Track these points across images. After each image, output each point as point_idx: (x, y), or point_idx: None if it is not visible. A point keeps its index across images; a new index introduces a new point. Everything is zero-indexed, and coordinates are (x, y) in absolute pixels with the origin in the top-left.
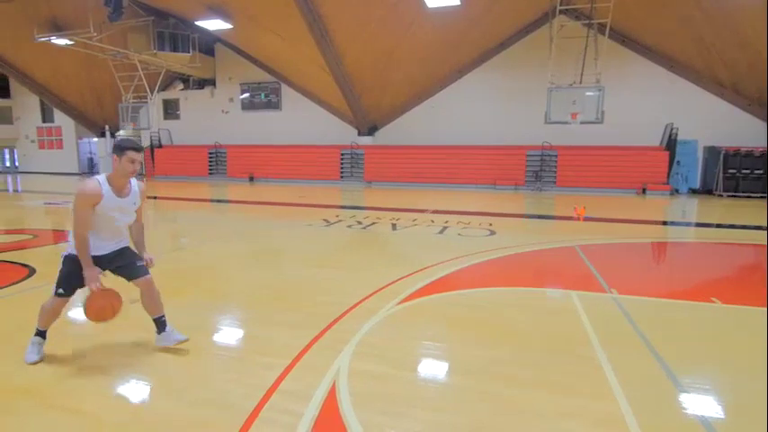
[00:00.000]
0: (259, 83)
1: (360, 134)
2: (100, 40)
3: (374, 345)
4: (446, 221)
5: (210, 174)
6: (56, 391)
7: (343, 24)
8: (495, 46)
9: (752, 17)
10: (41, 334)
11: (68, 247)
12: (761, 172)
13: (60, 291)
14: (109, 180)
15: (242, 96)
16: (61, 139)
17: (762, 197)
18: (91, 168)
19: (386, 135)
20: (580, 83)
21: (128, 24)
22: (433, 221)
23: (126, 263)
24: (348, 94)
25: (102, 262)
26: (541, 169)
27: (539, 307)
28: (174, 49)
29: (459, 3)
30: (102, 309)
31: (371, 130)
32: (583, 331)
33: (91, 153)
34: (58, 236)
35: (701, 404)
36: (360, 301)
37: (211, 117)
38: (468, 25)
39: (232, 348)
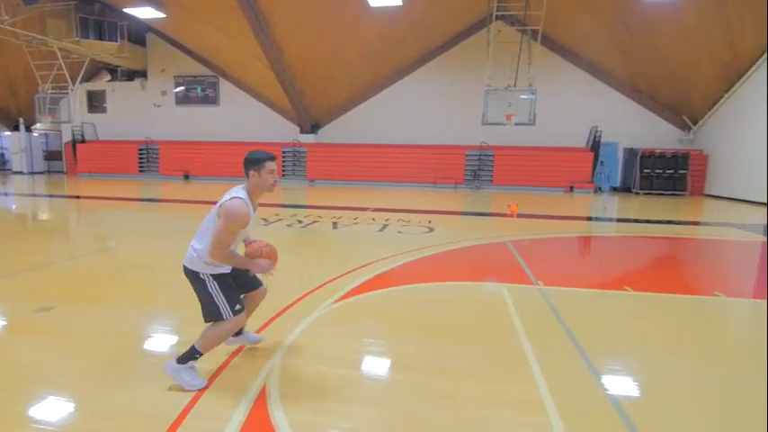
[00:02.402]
0: (195, 76)
1: (302, 132)
2: (13, 24)
3: (309, 344)
4: (387, 219)
5: (141, 171)
6: None
7: (284, 18)
8: (436, 48)
9: (666, 32)
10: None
11: (199, 266)
12: (672, 171)
13: (238, 307)
14: (250, 197)
15: (176, 90)
16: None
17: (672, 194)
18: (3, 165)
19: (329, 133)
20: (515, 86)
21: (46, 8)
22: (374, 219)
23: (244, 275)
24: (289, 90)
25: (227, 277)
26: (479, 168)
27: (471, 301)
28: (100, 38)
29: (401, 3)
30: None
31: (314, 128)
32: (511, 322)
33: (2, 148)
34: None
35: (611, 384)
36: (296, 300)
37: (142, 111)
38: (410, 26)
39: (157, 354)
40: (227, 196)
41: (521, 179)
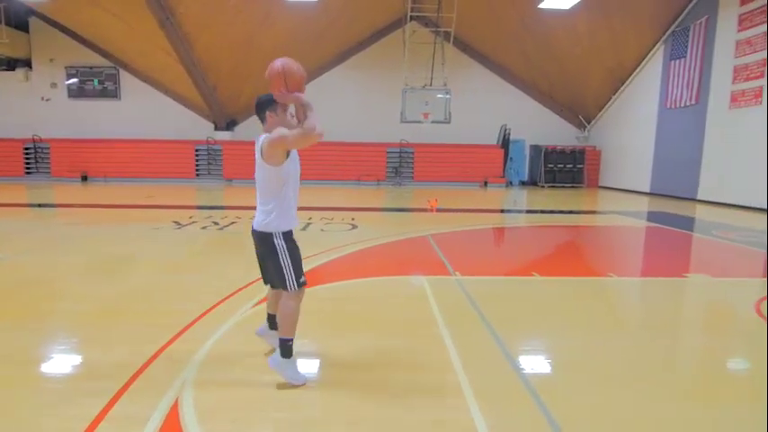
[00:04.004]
0: (91, 67)
1: (217, 129)
2: None
3: (226, 351)
4: (309, 218)
5: (28, 173)
6: None
7: (192, 8)
8: (355, 45)
9: (562, 39)
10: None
11: (271, 226)
12: (571, 166)
13: (302, 279)
14: None
15: (68, 82)
16: None
17: (572, 187)
18: None
19: (246, 130)
20: (431, 85)
21: None
22: None
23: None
24: (201, 85)
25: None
26: (400, 165)
27: (394, 294)
28: None
29: None
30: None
31: (230, 125)
32: (431, 312)
33: None
34: None
35: (522, 365)
36: (212, 307)
37: (27, 105)
38: (327, 22)
39: (51, 378)
40: (260, 140)
41: (439, 175)
